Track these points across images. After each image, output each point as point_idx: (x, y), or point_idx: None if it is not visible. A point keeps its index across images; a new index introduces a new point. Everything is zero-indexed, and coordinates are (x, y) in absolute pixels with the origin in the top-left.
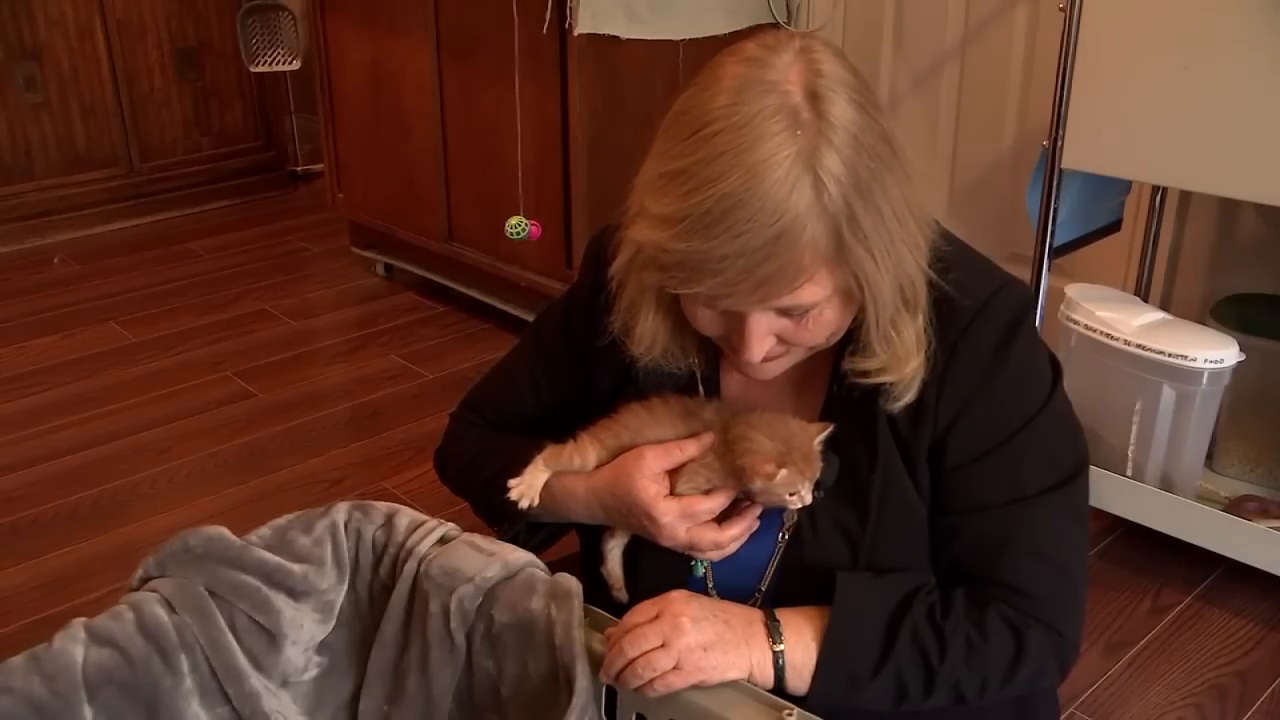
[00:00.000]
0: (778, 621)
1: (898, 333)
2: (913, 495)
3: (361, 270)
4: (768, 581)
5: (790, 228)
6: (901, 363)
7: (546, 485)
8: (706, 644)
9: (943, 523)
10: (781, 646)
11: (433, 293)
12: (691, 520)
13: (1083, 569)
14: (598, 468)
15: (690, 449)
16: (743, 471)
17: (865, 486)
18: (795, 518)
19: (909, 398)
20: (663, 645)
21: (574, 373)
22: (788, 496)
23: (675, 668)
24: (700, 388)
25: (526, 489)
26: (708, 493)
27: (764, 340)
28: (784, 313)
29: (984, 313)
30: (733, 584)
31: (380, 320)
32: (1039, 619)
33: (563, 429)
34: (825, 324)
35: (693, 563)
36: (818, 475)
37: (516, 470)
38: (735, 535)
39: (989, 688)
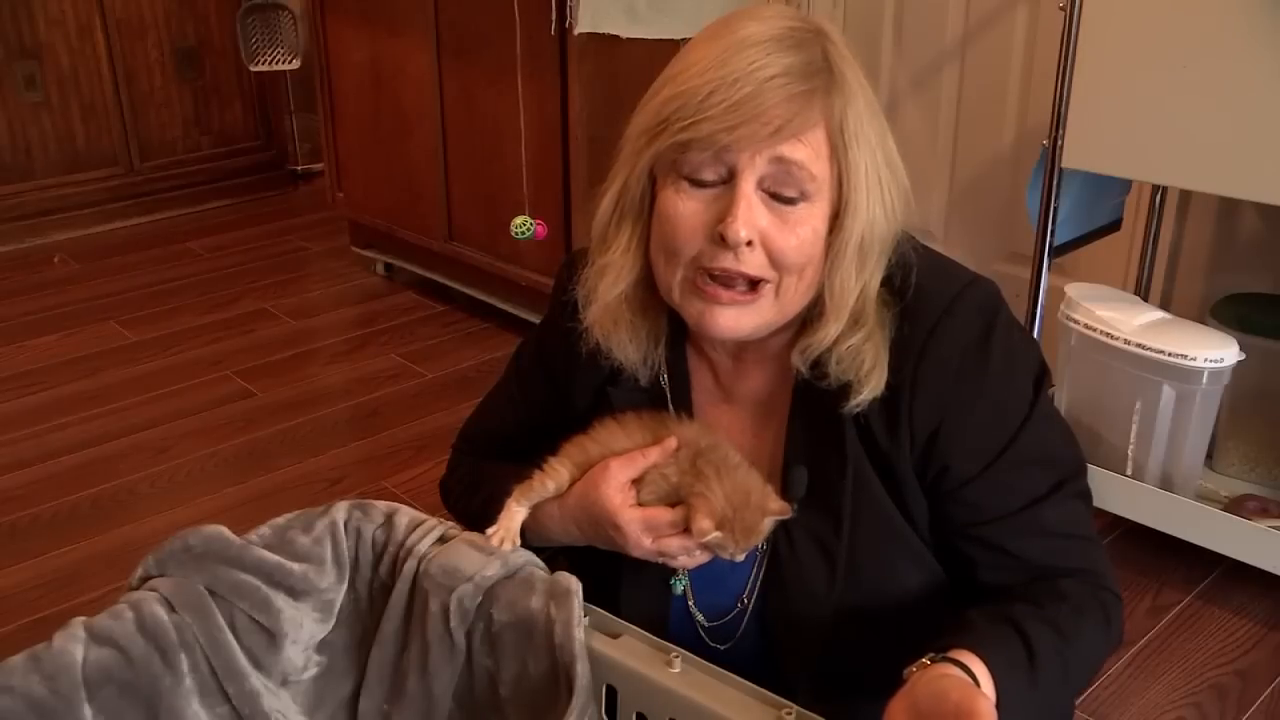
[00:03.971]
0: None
1: (847, 342)
2: (885, 499)
3: (361, 270)
4: (751, 598)
5: (803, 66)
6: (861, 370)
7: (530, 516)
8: None
9: (967, 537)
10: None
11: (433, 292)
12: (655, 532)
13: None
14: (573, 485)
15: (652, 454)
16: (687, 510)
17: (836, 493)
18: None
19: (866, 395)
20: None
21: (552, 396)
22: (715, 548)
23: None
24: (670, 404)
25: (505, 533)
26: (673, 506)
27: (752, 209)
28: (774, 196)
29: (951, 311)
30: (714, 602)
31: (380, 320)
32: (1102, 585)
33: (550, 453)
34: (804, 236)
35: (672, 581)
36: (751, 546)
37: (500, 499)
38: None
39: (1095, 661)
